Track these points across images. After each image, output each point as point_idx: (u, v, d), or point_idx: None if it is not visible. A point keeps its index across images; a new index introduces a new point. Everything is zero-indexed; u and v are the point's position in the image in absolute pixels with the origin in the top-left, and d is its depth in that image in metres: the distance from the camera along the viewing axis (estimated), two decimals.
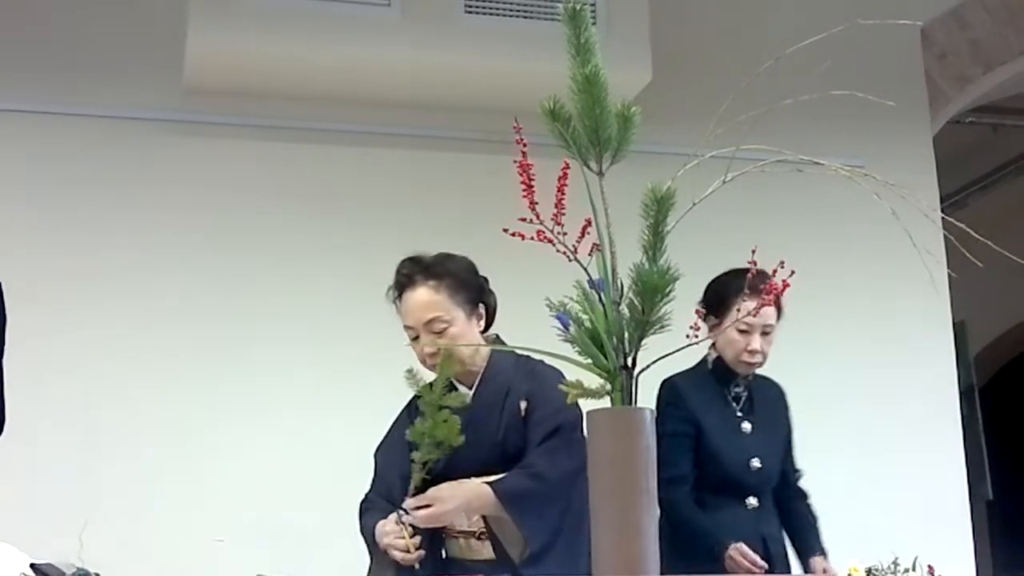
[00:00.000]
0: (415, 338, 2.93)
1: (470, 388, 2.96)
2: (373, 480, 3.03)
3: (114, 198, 4.21)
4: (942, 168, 5.14)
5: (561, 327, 1.97)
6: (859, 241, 4.80)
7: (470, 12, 4.21)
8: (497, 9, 4.23)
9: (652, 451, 1.79)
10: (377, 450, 3.04)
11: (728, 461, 3.39)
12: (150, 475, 4.02)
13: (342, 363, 4.25)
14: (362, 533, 2.94)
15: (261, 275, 4.28)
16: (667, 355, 1.81)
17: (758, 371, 3.50)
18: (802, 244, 4.48)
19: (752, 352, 3.37)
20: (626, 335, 1.80)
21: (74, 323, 4.07)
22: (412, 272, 2.92)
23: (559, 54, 1.83)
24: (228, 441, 4.12)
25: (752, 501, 3.39)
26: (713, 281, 3.39)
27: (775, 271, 1.85)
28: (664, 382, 3.42)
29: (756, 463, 3.40)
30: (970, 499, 4.85)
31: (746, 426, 3.45)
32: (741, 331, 3.36)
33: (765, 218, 4.56)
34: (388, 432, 3.07)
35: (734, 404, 3.47)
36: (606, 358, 1.82)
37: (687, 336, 1.82)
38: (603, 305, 1.83)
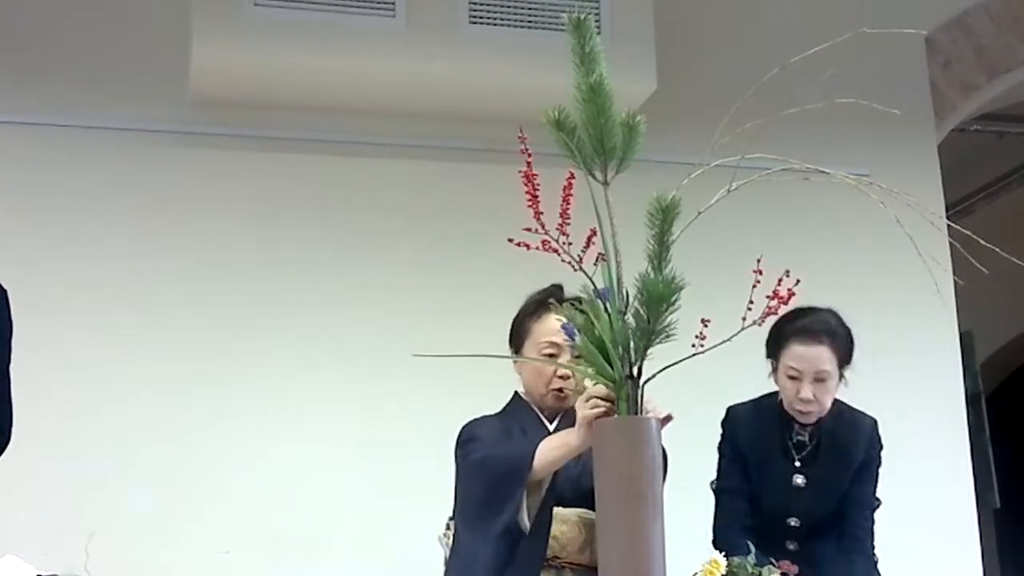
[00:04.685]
0: (551, 355, 2.86)
1: (551, 421, 2.93)
2: (485, 437, 2.85)
3: (119, 209, 4.21)
4: (947, 176, 5.13)
5: (567, 337, 1.97)
6: (865, 249, 4.78)
7: (475, 22, 4.21)
8: (502, 19, 4.24)
9: (658, 460, 1.80)
10: (476, 427, 2.90)
11: (765, 513, 3.16)
12: (156, 487, 4.01)
13: (349, 373, 4.25)
14: (503, 460, 2.73)
15: (267, 285, 4.28)
16: (673, 364, 1.80)
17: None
18: (807, 253, 4.46)
19: (804, 400, 3.07)
20: (632, 345, 1.80)
21: (79, 333, 4.07)
22: (563, 299, 2.84)
23: (564, 64, 1.83)
24: (233, 452, 4.11)
25: (790, 546, 3.14)
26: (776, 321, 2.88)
27: (781, 280, 1.85)
28: (728, 408, 3.27)
29: (793, 522, 3.15)
30: (977, 507, 4.84)
31: (799, 480, 3.16)
32: (791, 377, 3.08)
33: (770, 227, 4.55)
34: (485, 424, 2.92)
35: (794, 452, 3.18)
36: (612, 368, 1.82)
37: (692, 346, 1.82)
38: (609, 315, 1.83)
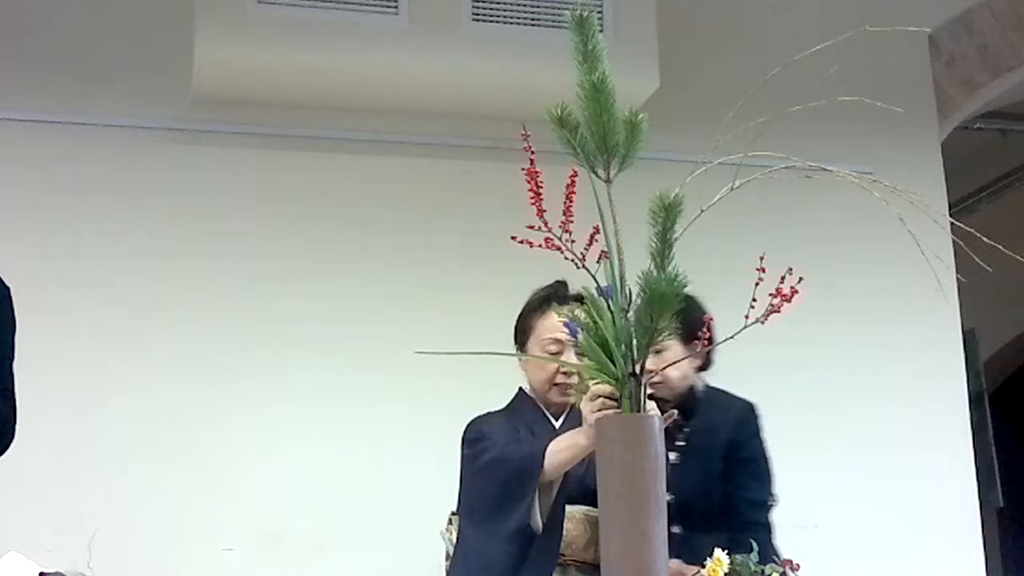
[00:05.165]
0: (555, 352, 2.86)
1: (557, 418, 2.94)
2: (493, 436, 2.86)
3: (122, 207, 4.21)
4: (951, 174, 5.12)
5: (570, 334, 1.97)
6: (868, 247, 4.78)
7: (477, 20, 4.21)
8: (504, 17, 4.23)
9: (661, 458, 1.79)
10: (483, 424, 2.92)
11: None
12: (159, 484, 4.01)
13: (350, 371, 4.25)
14: (514, 462, 2.73)
15: (270, 283, 4.28)
16: (675, 362, 1.80)
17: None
18: (810, 250, 4.46)
19: (647, 372, 3.24)
20: (634, 342, 1.80)
21: (82, 331, 4.07)
22: (567, 295, 2.85)
23: (567, 61, 1.83)
24: (237, 450, 4.11)
25: (674, 529, 3.04)
26: None
27: (783, 278, 1.84)
28: None
29: (667, 497, 3.27)
30: (980, 506, 4.83)
31: (671, 456, 3.19)
32: None
33: (773, 224, 4.55)
34: (491, 421, 2.94)
35: (670, 432, 3.19)
36: (614, 365, 1.82)
37: (694, 343, 1.82)
38: (611, 312, 1.82)
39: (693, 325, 3.16)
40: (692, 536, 3.10)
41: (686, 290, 3.13)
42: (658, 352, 3.03)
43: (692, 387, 3.23)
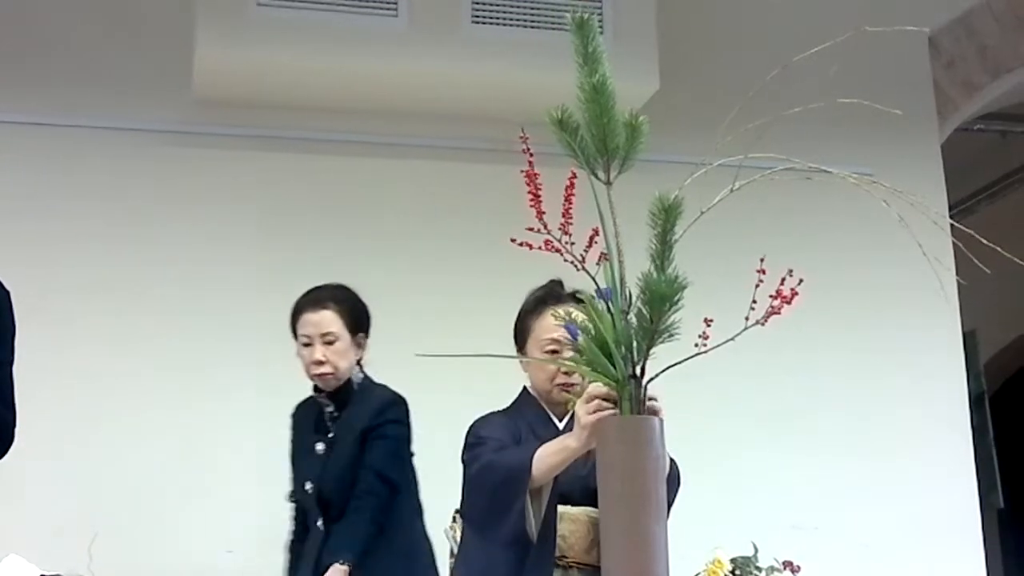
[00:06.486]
0: (554, 351, 2.84)
1: (561, 418, 2.90)
2: (489, 440, 2.85)
3: (124, 209, 4.22)
4: (950, 176, 5.12)
5: (569, 336, 1.97)
6: (868, 249, 4.78)
7: (477, 22, 4.22)
8: (504, 19, 4.24)
9: (661, 460, 1.79)
10: (482, 427, 2.95)
11: (293, 483, 3.42)
12: (159, 487, 4.01)
13: None
14: (502, 469, 2.72)
15: (270, 285, 4.28)
16: (676, 364, 1.80)
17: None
18: (810, 252, 4.46)
19: (317, 362, 3.30)
20: (634, 344, 1.79)
21: (84, 335, 4.07)
22: (563, 294, 2.87)
23: (567, 64, 1.83)
24: (237, 451, 4.11)
25: (319, 523, 3.29)
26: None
27: (783, 279, 1.84)
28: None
29: (308, 486, 3.33)
30: (981, 508, 4.83)
31: (319, 447, 3.34)
32: (305, 344, 3.33)
33: (773, 226, 4.55)
34: (491, 423, 2.92)
35: (326, 423, 3.37)
36: (614, 367, 1.82)
37: (695, 345, 1.82)
38: (611, 314, 1.82)
39: (358, 316, 3.35)
40: (335, 528, 3.21)
41: (345, 283, 3.31)
42: (330, 343, 3.29)
43: (350, 379, 3.35)
